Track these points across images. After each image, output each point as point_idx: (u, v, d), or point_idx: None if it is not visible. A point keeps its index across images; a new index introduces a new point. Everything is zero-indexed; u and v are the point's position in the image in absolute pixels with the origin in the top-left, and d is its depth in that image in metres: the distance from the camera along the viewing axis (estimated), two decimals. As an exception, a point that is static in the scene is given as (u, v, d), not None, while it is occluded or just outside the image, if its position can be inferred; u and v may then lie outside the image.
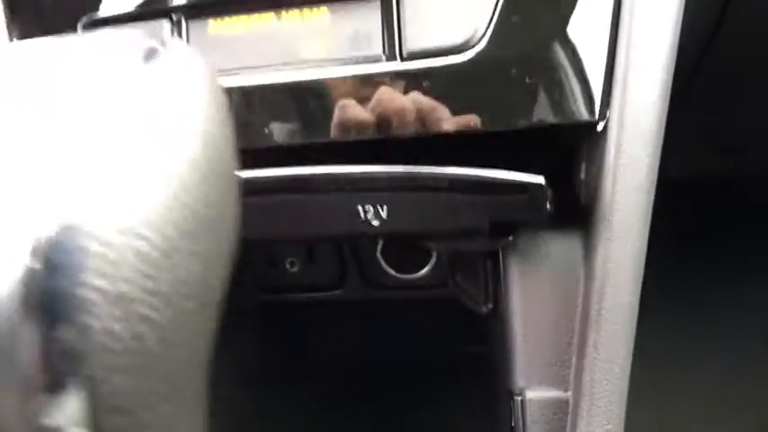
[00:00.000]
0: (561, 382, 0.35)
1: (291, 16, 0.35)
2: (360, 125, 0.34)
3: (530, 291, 0.37)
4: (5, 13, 0.39)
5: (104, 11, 0.37)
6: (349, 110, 0.34)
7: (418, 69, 0.33)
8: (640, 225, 0.32)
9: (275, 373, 0.57)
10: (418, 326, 0.55)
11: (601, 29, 0.32)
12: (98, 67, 0.17)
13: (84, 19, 0.38)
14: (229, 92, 0.36)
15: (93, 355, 0.14)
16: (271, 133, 0.35)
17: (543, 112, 0.33)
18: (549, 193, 0.32)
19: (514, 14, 0.32)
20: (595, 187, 0.33)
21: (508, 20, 0.32)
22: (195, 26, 0.36)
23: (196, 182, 0.17)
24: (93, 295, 0.14)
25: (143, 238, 0.15)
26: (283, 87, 0.35)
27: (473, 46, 0.33)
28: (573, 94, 0.32)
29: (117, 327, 0.14)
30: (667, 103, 0.32)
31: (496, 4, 0.32)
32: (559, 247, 0.36)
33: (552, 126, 0.33)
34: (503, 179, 0.32)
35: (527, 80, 0.33)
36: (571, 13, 0.32)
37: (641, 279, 0.33)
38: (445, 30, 0.33)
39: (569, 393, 0.35)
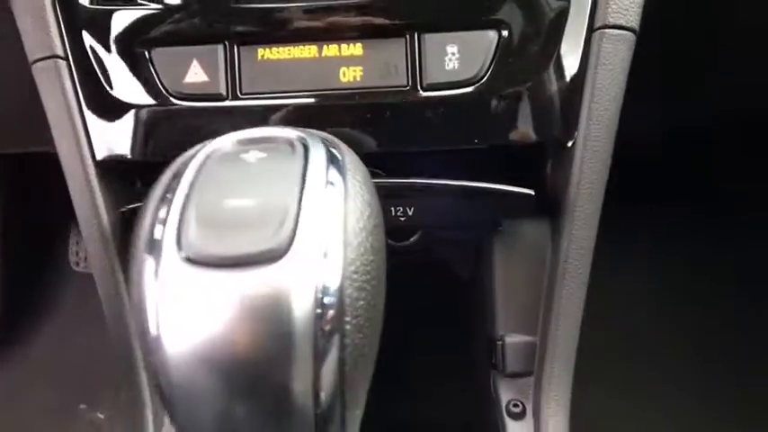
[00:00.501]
0: (532, 330, 0.48)
1: (331, 49, 0.43)
2: None
3: (509, 263, 0.48)
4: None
5: (161, 30, 0.43)
6: None
7: (433, 97, 0.43)
8: (594, 217, 0.45)
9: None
10: (405, 287, 0.66)
11: (572, 72, 0.43)
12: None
13: (142, 37, 0.43)
14: (275, 109, 0.43)
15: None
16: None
17: (528, 132, 0.43)
18: (534, 198, 0.43)
19: (509, 58, 0.42)
20: (563, 188, 0.45)
21: (504, 62, 0.42)
22: (245, 52, 0.43)
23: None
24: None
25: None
26: (321, 109, 0.43)
27: (478, 81, 0.42)
28: (550, 118, 0.43)
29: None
30: (615, 132, 0.44)
31: (496, 50, 0.42)
32: (533, 230, 0.47)
33: (534, 142, 0.43)
34: (502, 190, 0.42)
35: (517, 108, 0.43)
36: (551, 60, 0.42)
37: (592, 253, 0.46)
38: (455, 67, 0.42)
39: (537, 337, 0.48)
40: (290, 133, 0.26)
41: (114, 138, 0.45)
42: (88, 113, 0.45)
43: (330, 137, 0.29)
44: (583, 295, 0.46)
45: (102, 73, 0.44)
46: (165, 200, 0.23)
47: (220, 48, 0.43)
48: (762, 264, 1.06)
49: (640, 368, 1.01)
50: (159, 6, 0.43)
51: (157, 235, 0.22)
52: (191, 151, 0.27)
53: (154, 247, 0.22)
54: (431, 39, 0.42)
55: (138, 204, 0.44)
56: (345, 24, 0.42)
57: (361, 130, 0.43)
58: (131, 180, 0.48)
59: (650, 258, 1.08)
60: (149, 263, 0.22)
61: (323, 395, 0.21)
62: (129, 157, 0.45)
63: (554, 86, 0.43)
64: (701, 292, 1.07)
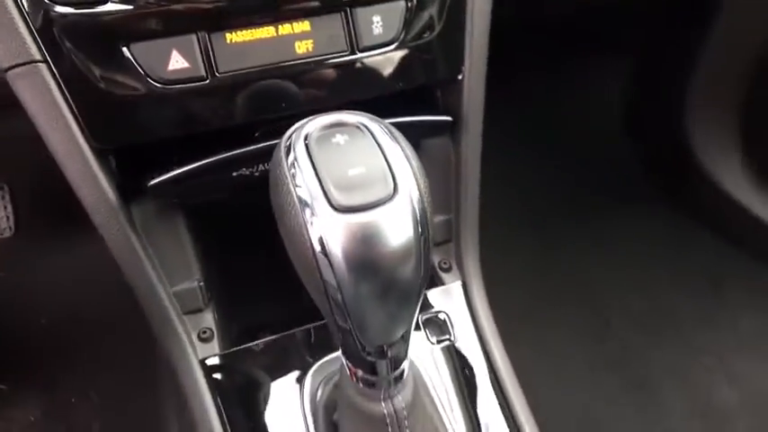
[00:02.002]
0: (446, 210, 0.68)
1: (286, 28, 0.53)
2: None
3: (427, 165, 0.66)
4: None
5: (136, 27, 0.49)
6: None
7: (367, 57, 0.56)
8: (479, 125, 0.64)
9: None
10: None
11: (457, 23, 0.59)
12: None
13: (119, 35, 0.49)
14: (248, 81, 0.54)
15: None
16: (275, 106, 0.55)
17: (434, 73, 0.60)
18: (451, 122, 0.61)
19: (415, 20, 0.57)
20: (458, 109, 0.63)
21: (412, 24, 0.57)
22: (216, 38, 0.52)
23: None
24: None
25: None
26: (284, 77, 0.54)
27: (397, 40, 0.57)
28: (447, 62, 0.60)
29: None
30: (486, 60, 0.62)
31: (406, 15, 0.56)
32: (441, 141, 0.66)
33: (438, 80, 0.60)
34: (432, 120, 0.59)
35: (424, 56, 0.59)
36: (442, 17, 0.58)
37: (480, 150, 0.66)
38: (380, 33, 0.56)
39: (452, 215, 0.68)
40: (352, 118, 0.39)
41: (110, 127, 0.52)
42: (80, 109, 0.50)
43: (369, 114, 0.42)
44: (477, 182, 0.67)
45: (87, 71, 0.50)
46: (295, 171, 0.36)
47: (194, 37, 0.51)
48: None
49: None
50: (128, 6, 0.49)
51: (306, 194, 0.35)
52: (284, 137, 0.39)
53: (307, 201, 0.35)
54: (361, 12, 0.55)
55: (166, 177, 0.53)
56: (295, 7, 0.53)
57: (316, 90, 0.56)
58: (125, 158, 0.55)
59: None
60: (307, 210, 0.34)
61: (422, 275, 0.37)
62: (128, 142, 0.52)
63: (446, 37, 0.59)
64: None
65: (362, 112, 0.40)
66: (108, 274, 1.38)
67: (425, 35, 0.58)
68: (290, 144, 0.38)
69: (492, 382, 0.61)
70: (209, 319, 0.61)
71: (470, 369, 0.62)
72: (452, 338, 0.63)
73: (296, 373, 0.58)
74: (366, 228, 0.34)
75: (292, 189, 0.36)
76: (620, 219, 1.57)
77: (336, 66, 0.56)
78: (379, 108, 0.59)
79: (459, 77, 0.62)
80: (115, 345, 1.31)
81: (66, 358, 1.29)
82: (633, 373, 1.31)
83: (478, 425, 0.59)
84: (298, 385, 0.57)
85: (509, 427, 0.60)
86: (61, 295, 1.36)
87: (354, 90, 0.58)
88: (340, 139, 0.38)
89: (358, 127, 0.38)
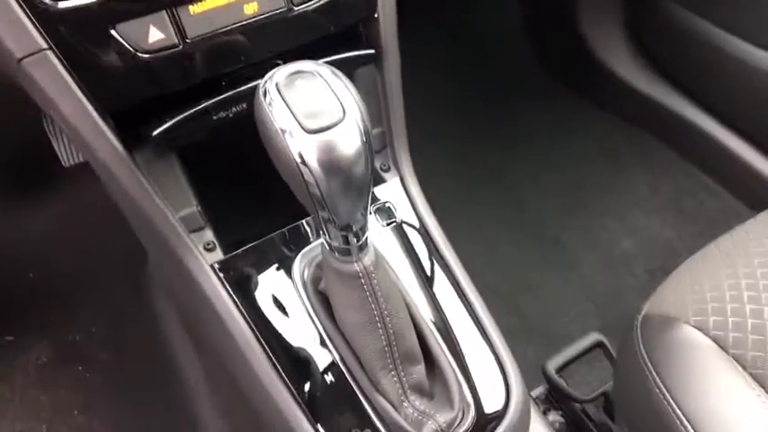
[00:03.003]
0: (380, 124, 0.85)
1: (235, -5, 0.67)
2: None
3: (362, 90, 0.83)
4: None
5: (117, 11, 0.62)
6: None
7: (302, 9, 0.71)
8: (396, 50, 0.80)
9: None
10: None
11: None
12: None
13: (105, 19, 0.62)
14: (214, 43, 0.68)
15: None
16: (235, 59, 0.70)
17: (355, 15, 0.75)
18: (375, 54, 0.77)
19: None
20: (378, 41, 0.79)
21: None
22: (182, 11, 0.65)
23: None
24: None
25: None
26: (240, 34, 0.69)
27: (322, -6, 0.72)
28: (364, 5, 0.76)
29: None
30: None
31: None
32: (368, 70, 0.82)
33: (359, 20, 0.76)
34: (358, 54, 0.75)
35: (345, 4, 0.74)
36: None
37: (400, 72, 0.83)
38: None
39: (383, 128, 0.86)
40: (307, 66, 0.55)
41: (111, 94, 0.66)
42: (85, 82, 0.64)
43: (319, 62, 0.58)
44: (401, 98, 0.84)
45: (85, 51, 0.63)
46: (272, 109, 0.52)
47: (164, 13, 0.65)
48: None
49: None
50: (107, -5, 0.62)
51: (284, 125, 0.51)
52: (260, 84, 0.54)
53: (286, 129, 0.51)
54: (292, -27, 0.69)
55: (165, 126, 0.68)
56: (239, -23, 0.67)
57: (265, 41, 0.71)
58: (122, 116, 0.69)
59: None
60: (288, 135, 0.51)
61: (370, 171, 0.55)
62: (126, 103, 0.67)
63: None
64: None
65: (314, 61, 0.57)
66: (79, 228, 1.51)
67: None
68: (265, 89, 0.54)
69: (431, 249, 0.82)
70: (209, 234, 0.77)
71: (413, 241, 0.82)
72: (397, 220, 0.82)
73: (285, 261, 0.77)
74: (329, 142, 0.52)
75: (274, 122, 0.52)
76: (525, 109, 1.80)
77: (279, 20, 0.70)
78: (318, 50, 0.75)
79: (376, 16, 0.78)
80: (102, 286, 1.46)
81: (61, 304, 1.43)
82: (548, 236, 1.57)
83: (426, 279, 0.80)
84: (288, 269, 0.76)
85: (449, 280, 0.81)
86: (42, 250, 1.48)
87: (295, 37, 0.73)
88: (300, 82, 0.54)
89: (312, 72, 0.55)
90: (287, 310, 0.73)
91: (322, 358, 0.71)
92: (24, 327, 1.40)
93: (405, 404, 0.66)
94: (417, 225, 0.83)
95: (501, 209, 1.61)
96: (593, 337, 1.01)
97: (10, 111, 1.30)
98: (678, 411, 0.64)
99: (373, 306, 0.64)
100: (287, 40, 0.72)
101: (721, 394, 0.64)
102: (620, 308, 1.46)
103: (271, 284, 0.75)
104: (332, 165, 0.52)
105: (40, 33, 0.61)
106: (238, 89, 0.71)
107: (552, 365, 0.98)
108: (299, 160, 0.52)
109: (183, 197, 0.76)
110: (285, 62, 0.72)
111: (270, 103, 0.53)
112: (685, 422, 0.63)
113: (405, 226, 0.83)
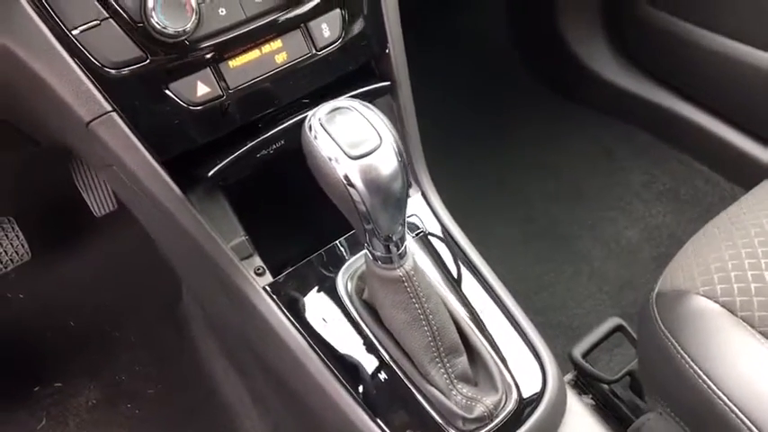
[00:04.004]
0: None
1: (266, 48, 0.77)
2: None
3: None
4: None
5: (172, 72, 0.71)
6: None
7: (324, 53, 0.80)
8: (408, 84, 0.89)
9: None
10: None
11: (380, 21, 0.84)
12: None
13: (159, 81, 0.71)
14: (257, 90, 0.77)
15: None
16: (271, 102, 0.79)
17: (370, 53, 0.85)
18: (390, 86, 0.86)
19: (350, 22, 0.81)
20: (391, 75, 0.88)
21: (348, 26, 0.81)
22: (223, 66, 0.74)
23: None
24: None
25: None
26: (271, 78, 0.78)
27: (341, 38, 0.81)
28: (377, 43, 0.85)
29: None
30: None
31: (343, 20, 0.80)
32: (386, 99, 0.91)
33: (373, 57, 0.85)
34: (377, 87, 0.84)
35: (361, 44, 0.83)
36: (367, 16, 0.83)
37: (412, 99, 0.92)
38: (329, 35, 0.80)
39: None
40: (344, 103, 0.64)
41: (168, 144, 0.75)
42: (145, 136, 0.73)
43: (353, 99, 0.66)
44: (415, 122, 0.93)
45: (144, 110, 0.72)
46: (318, 141, 0.60)
47: (209, 69, 0.74)
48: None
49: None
50: (162, 59, 0.71)
51: (333, 155, 0.60)
52: (306, 119, 0.63)
53: (332, 157, 0.60)
54: (313, 23, 0.79)
55: (219, 166, 0.77)
56: (269, 33, 0.76)
57: (295, 84, 0.80)
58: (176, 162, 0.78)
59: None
60: (335, 162, 0.59)
61: (406, 187, 0.64)
62: (181, 150, 0.75)
63: (373, 27, 0.84)
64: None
65: (348, 99, 0.66)
66: (113, 273, 1.59)
67: (359, 29, 0.83)
68: (310, 125, 0.62)
69: (456, 252, 0.90)
70: (258, 260, 0.86)
71: (438, 248, 0.90)
72: (424, 230, 0.91)
73: (328, 278, 0.85)
74: (371, 165, 0.61)
75: (321, 151, 0.61)
76: (520, 117, 1.91)
77: (305, 65, 0.80)
78: (340, 88, 0.85)
79: (387, 51, 0.87)
80: (141, 326, 1.53)
81: (103, 347, 1.51)
82: (557, 235, 1.66)
83: (455, 280, 0.88)
84: (331, 285, 0.84)
85: (477, 279, 0.89)
86: (80, 297, 1.56)
87: (319, 78, 0.82)
88: (340, 117, 0.63)
89: (348, 108, 0.64)
90: (336, 320, 0.82)
91: (374, 360, 0.78)
92: (71, 373, 1.47)
93: (453, 392, 0.74)
94: (441, 233, 0.91)
95: (509, 213, 1.70)
96: (613, 321, 1.09)
97: (44, 169, 1.40)
98: (700, 372, 0.71)
99: (417, 306, 0.72)
100: (313, 82, 0.82)
101: (737, 353, 0.72)
102: (633, 294, 1.54)
103: (318, 300, 0.83)
104: (374, 184, 0.61)
105: (105, 98, 0.70)
106: (276, 128, 0.80)
107: (578, 351, 1.05)
108: (345, 182, 0.61)
109: (231, 229, 0.84)
110: (312, 102, 0.82)
111: (315, 137, 0.62)
112: (708, 381, 0.70)
113: (430, 236, 0.91)
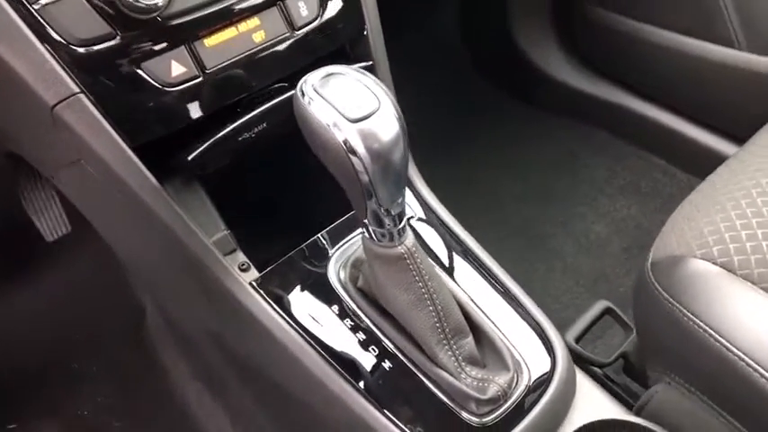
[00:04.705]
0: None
1: (243, 26, 0.73)
2: None
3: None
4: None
5: (141, 51, 0.66)
6: None
7: (302, 33, 0.77)
8: (387, 64, 0.87)
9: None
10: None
11: (357, 10, 0.82)
12: None
13: (130, 59, 0.66)
14: (234, 71, 0.72)
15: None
16: (249, 83, 0.75)
17: (348, 34, 0.82)
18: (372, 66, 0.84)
19: (327, 7, 0.79)
20: (369, 53, 0.86)
21: (326, 4, 0.79)
22: (198, 45, 0.70)
23: None
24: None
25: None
26: (249, 58, 0.74)
27: (318, 17, 0.78)
28: (354, 24, 0.83)
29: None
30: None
31: (320, 4, 0.78)
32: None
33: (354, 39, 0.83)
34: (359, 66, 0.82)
35: (339, 25, 0.81)
36: (347, 5, 0.81)
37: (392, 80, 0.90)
38: (306, 14, 0.77)
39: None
40: (339, 68, 0.60)
41: (141, 128, 0.69)
42: (116, 120, 0.67)
43: (344, 65, 0.63)
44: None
45: (114, 91, 0.66)
46: (314, 106, 0.57)
47: (184, 48, 0.69)
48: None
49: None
50: (133, 35, 0.66)
51: (330, 120, 0.56)
52: (299, 85, 0.59)
53: (334, 123, 0.56)
54: (290, 2, 0.76)
55: (199, 150, 0.72)
56: (246, 8, 0.73)
57: (274, 64, 0.77)
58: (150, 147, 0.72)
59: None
60: (335, 128, 0.56)
61: (407, 153, 0.60)
62: (156, 135, 0.70)
63: (350, 7, 0.82)
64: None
65: (340, 65, 0.62)
66: (69, 301, 1.48)
67: (336, 9, 0.80)
68: (302, 91, 0.59)
69: (448, 235, 0.87)
70: (242, 256, 0.80)
71: (427, 232, 0.87)
72: (414, 216, 0.88)
73: (317, 269, 0.80)
74: (372, 128, 0.57)
75: (317, 117, 0.57)
76: (480, 123, 1.92)
77: (284, 44, 0.77)
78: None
79: (365, 33, 0.85)
80: (102, 355, 1.43)
81: (62, 380, 1.39)
82: (529, 233, 1.66)
83: (450, 263, 0.85)
84: (322, 276, 0.79)
85: (473, 261, 0.85)
86: (35, 330, 1.44)
87: (300, 58, 0.79)
88: (334, 81, 0.60)
89: (341, 73, 0.61)
90: (331, 312, 0.77)
91: (376, 349, 0.74)
92: (28, 412, 1.34)
93: (462, 375, 0.70)
94: (427, 217, 0.89)
95: (481, 215, 1.69)
96: (602, 304, 1.07)
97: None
98: (711, 331, 0.70)
99: (420, 284, 0.68)
100: (293, 62, 0.78)
101: (744, 309, 0.71)
102: (607, 286, 1.54)
103: (310, 292, 0.78)
104: (376, 148, 0.58)
105: (72, 78, 0.64)
106: (256, 111, 0.76)
107: (570, 336, 1.03)
108: (345, 148, 0.57)
109: (212, 223, 0.79)
110: (290, 86, 0.79)
111: (309, 102, 0.58)
112: (720, 339, 0.69)
113: (419, 221, 0.88)
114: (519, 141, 1.89)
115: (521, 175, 1.82)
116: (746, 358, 0.67)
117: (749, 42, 1.48)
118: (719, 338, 0.69)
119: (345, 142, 0.57)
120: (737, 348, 0.68)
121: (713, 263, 0.77)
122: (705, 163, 1.69)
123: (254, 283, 0.78)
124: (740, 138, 1.57)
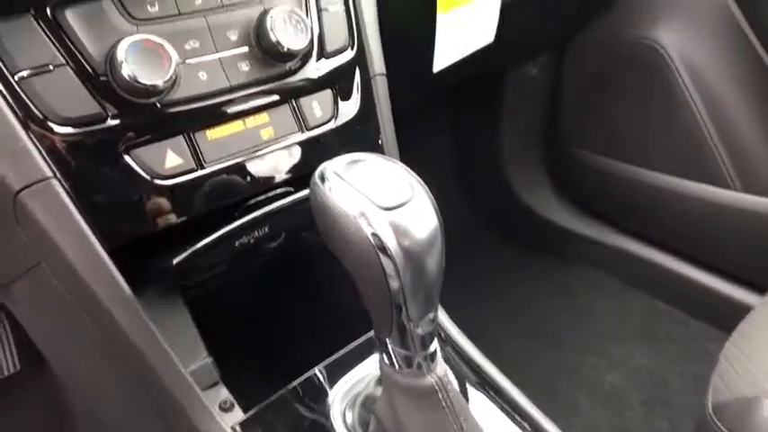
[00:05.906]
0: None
1: (250, 121, 0.65)
2: None
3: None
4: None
5: (136, 137, 0.57)
6: None
7: (314, 134, 0.70)
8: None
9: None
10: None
11: (372, 108, 0.76)
12: None
13: (121, 144, 0.56)
14: (235, 168, 0.63)
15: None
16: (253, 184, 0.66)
17: (362, 141, 0.75)
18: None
19: (342, 102, 0.73)
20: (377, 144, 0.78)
21: (339, 105, 0.73)
22: (200, 136, 0.62)
23: None
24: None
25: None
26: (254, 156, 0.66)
27: (332, 119, 0.72)
28: (370, 131, 0.76)
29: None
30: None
31: (335, 100, 0.72)
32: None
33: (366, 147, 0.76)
34: None
35: (354, 129, 0.74)
36: (360, 101, 0.75)
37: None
38: (320, 115, 0.71)
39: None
40: (363, 155, 0.52)
41: (121, 226, 0.58)
42: (92, 214, 0.56)
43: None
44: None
45: (94, 180, 0.56)
46: (336, 193, 0.47)
47: (183, 137, 0.61)
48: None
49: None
50: (126, 121, 0.57)
51: (356, 208, 0.46)
52: (318, 171, 0.50)
53: (361, 213, 0.46)
54: (303, 100, 0.69)
55: (188, 252, 0.59)
56: (256, 105, 0.66)
57: (281, 165, 0.68)
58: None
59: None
60: (362, 219, 0.46)
61: (443, 256, 0.50)
62: (137, 235, 0.59)
63: (366, 113, 0.76)
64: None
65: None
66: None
67: (352, 112, 0.74)
68: (323, 176, 0.49)
69: (467, 361, 0.74)
70: (224, 392, 0.65)
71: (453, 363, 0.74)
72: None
73: (316, 410, 0.65)
74: (406, 219, 0.47)
75: (339, 204, 0.47)
76: (476, 268, 1.83)
77: (293, 144, 0.69)
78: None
79: (380, 143, 0.78)
80: None
81: None
82: (539, 382, 1.50)
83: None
84: (322, 418, 0.64)
85: (499, 398, 0.71)
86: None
87: (309, 161, 0.70)
88: (359, 167, 0.50)
89: (367, 160, 0.52)
90: (336, 465, 0.60)
91: None
92: None
93: None
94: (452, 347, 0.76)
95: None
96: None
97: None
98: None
99: (455, 427, 0.53)
100: (302, 164, 0.70)
101: None
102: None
103: (309, 439, 0.62)
104: (411, 245, 0.47)
105: (45, 160, 0.54)
106: (263, 211, 0.66)
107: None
108: (374, 244, 0.46)
109: (192, 346, 0.65)
110: (297, 189, 0.70)
111: (330, 189, 0.48)
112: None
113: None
114: (517, 283, 1.81)
115: (522, 318, 1.71)
116: None
117: (742, 181, 1.49)
118: None
119: (374, 236, 0.46)
120: None
121: (796, 405, 0.64)
122: (722, 312, 1.60)
123: (237, 428, 0.62)
124: (753, 283, 1.50)
